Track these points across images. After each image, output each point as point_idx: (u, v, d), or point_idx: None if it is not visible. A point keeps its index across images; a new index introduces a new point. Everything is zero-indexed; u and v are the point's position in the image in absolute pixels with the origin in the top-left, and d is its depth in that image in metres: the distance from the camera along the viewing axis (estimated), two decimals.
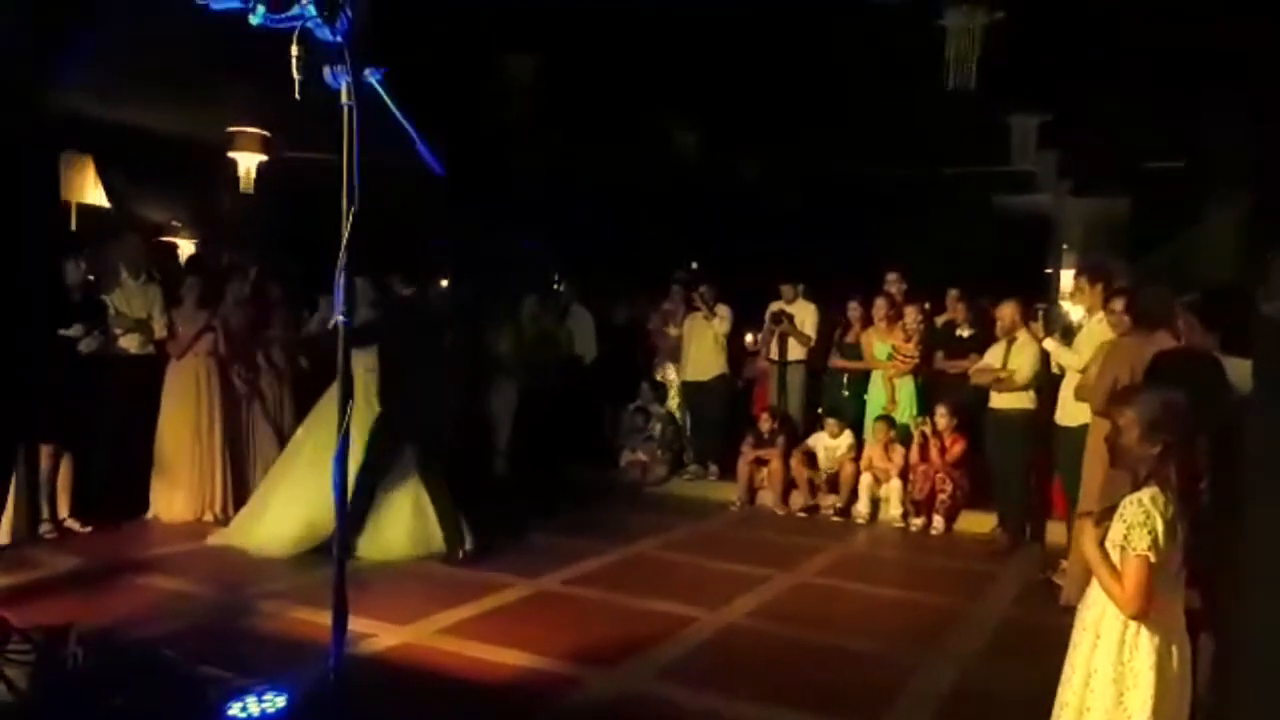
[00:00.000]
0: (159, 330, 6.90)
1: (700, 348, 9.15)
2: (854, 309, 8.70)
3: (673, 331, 9.59)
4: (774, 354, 9.00)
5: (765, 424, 8.56)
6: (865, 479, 8.06)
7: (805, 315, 8.90)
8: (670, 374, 9.69)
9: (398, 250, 6.29)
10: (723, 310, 9.06)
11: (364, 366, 6.14)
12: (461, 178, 3.47)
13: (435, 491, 6.23)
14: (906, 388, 8.30)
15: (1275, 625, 2.64)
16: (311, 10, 2.53)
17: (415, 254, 6.49)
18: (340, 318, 2.94)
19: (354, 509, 5.87)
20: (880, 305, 8.45)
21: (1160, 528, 2.56)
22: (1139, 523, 2.56)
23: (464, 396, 8.29)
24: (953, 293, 8.41)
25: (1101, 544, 2.66)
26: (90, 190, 8.40)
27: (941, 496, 7.69)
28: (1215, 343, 4.47)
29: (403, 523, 6.22)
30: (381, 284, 6.50)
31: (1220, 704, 3.21)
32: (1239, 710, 2.90)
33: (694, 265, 10.51)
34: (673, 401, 9.64)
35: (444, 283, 10.14)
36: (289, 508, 6.07)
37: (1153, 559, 2.54)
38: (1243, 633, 2.86)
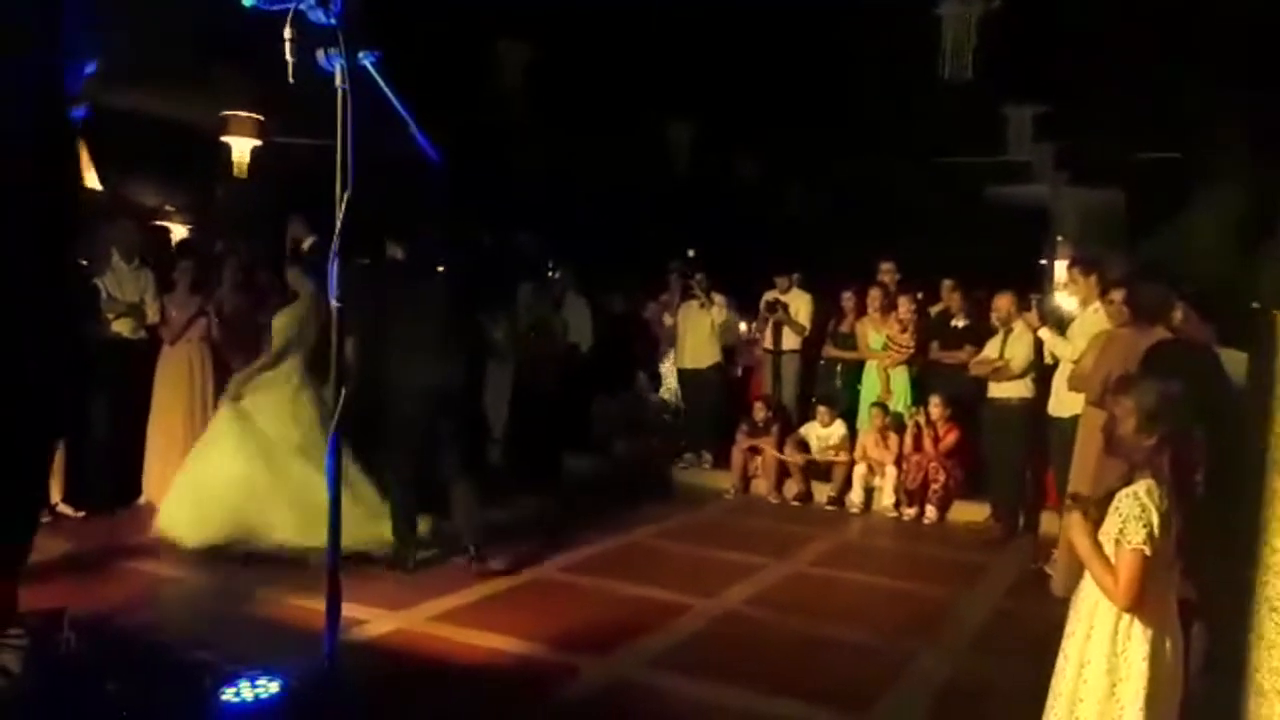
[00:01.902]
0: (152, 315, 6.87)
1: (696, 336, 9.13)
2: (848, 299, 8.70)
3: (668, 320, 9.58)
4: (769, 343, 9.00)
5: (759, 413, 8.55)
6: (859, 468, 8.07)
7: (800, 304, 8.90)
8: (667, 362, 9.67)
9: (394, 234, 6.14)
10: (719, 299, 9.04)
11: (299, 355, 6.03)
12: (458, 165, 3.45)
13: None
14: (901, 378, 8.30)
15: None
16: None
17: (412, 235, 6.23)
18: (335, 302, 2.93)
19: (400, 518, 5.60)
20: (874, 295, 8.45)
21: (1156, 521, 2.55)
22: (1135, 516, 2.55)
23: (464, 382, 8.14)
24: (947, 283, 8.42)
25: (1094, 536, 2.66)
26: (83, 173, 8.34)
27: (935, 486, 7.71)
28: (1212, 334, 4.48)
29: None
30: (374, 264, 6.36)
31: (1212, 695, 3.22)
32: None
33: (691, 253, 10.48)
34: (668, 389, 9.63)
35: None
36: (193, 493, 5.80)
37: (1148, 553, 2.53)
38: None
